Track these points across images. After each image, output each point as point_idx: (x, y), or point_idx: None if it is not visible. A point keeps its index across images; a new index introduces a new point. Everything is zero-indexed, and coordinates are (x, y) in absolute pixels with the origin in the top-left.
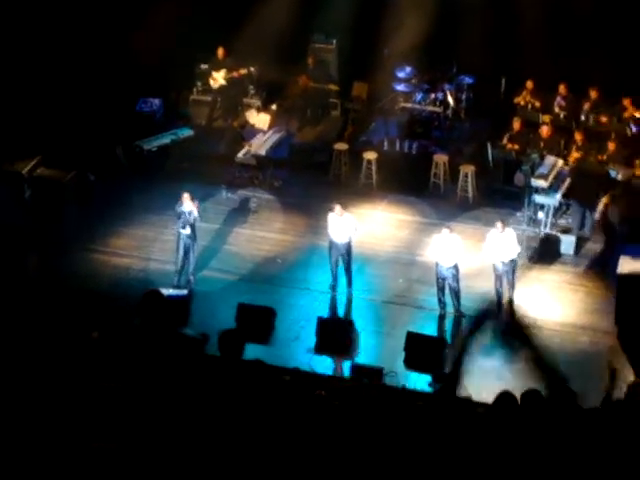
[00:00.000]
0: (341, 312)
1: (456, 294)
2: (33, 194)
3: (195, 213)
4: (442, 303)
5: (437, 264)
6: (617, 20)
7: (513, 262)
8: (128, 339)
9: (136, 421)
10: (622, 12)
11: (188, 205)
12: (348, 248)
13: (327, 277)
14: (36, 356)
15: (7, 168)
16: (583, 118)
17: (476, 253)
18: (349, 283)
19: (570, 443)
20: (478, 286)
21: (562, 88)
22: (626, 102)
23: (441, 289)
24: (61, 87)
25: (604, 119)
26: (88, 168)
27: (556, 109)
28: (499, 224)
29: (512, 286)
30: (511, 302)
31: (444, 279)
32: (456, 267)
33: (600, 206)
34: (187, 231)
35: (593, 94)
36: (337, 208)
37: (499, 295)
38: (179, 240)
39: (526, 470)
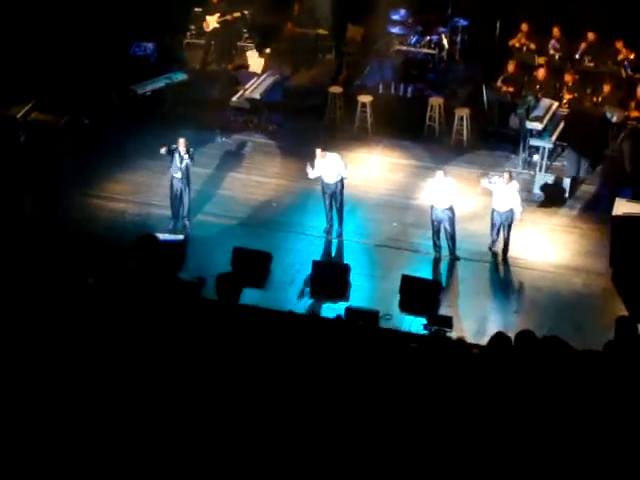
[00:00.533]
0: (336, 255)
1: (452, 237)
2: (28, 138)
3: (187, 158)
4: (437, 247)
5: (432, 207)
6: None
7: (510, 214)
8: (123, 283)
9: (133, 366)
10: None
11: (182, 149)
12: (339, 188)
13: (322, 221)
14: (31, 300)
15: (2, 112)
16: (578, 58)
17: (471, 196)
18: (340, 223)
19: (563, 384)
20: (473, 229)
21: (556, 30)
22: (619, 44)
23: (436, 232)
24: (55, 31)
25: (599, 61)
26: (82, 112)
27: (550, 51)
28: (506, 175)
29: (506, 240)
30: (504, 253)
31: (439, 222)
32: (451, 209)
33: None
34: (178, 175)
35: (590, 36)
36: (318, 152)
37: (492, 241)
38: (172, 185)
39: (520, 412)
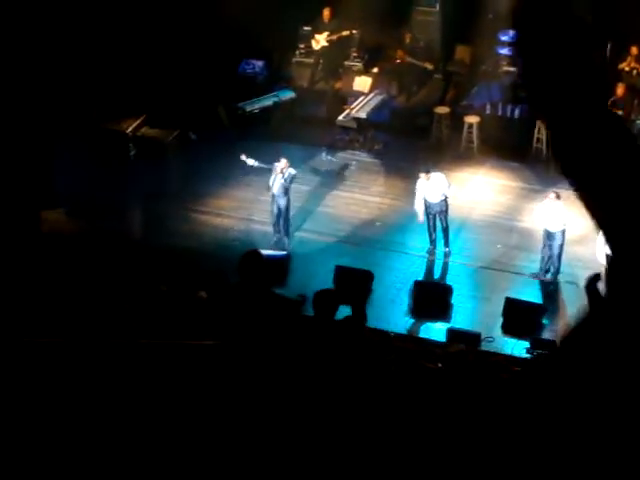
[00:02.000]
0: (439, 276)
1: (558, 258)
2: (137, 153)
3: (281, 179)
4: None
5: (545, 230)
6: None
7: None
8: (228, 299)
9: (232, 381)
10: None
11: (278, 169)
12: (444, 207)
13: (426, 241)
14: (138, 312)
15: (113, 127)
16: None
17: (579, 218)
18: (446, 243)
19: None
20: (580, 252)
21: (634, 49)
22: None
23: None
24: (166, 48)
25: None
26: (190, 128)
27: None
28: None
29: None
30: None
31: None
32: (563, 232)
33: None
34: (275, 192)
35: (634, 50)
36: (422, 175)
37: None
38: (272, 202)
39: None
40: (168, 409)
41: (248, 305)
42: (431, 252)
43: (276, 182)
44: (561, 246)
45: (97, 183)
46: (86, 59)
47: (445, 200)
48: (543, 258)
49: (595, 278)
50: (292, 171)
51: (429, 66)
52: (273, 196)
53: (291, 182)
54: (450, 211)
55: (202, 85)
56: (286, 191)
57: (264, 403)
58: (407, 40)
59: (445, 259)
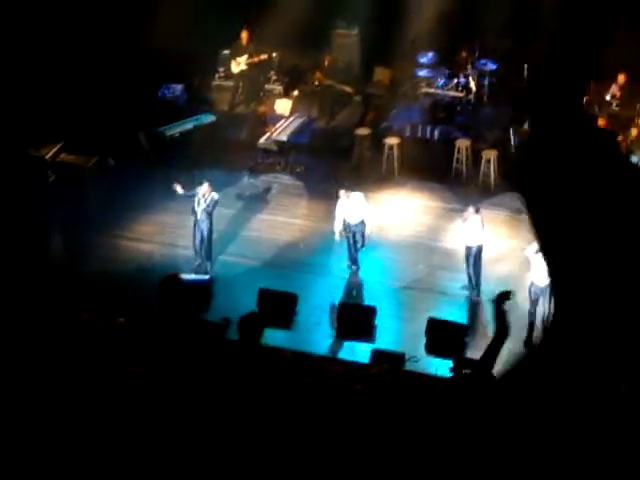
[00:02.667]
0: (363, 297)
1: (476, 274)
2: (56, 179)
3: (204, 204)
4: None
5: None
6: None
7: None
8: (149, 324)
9: (157, 406)
10: None
11: (201, 194)
12: (362, 228)
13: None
14: (56, 340)
15: (31, 153)
16: (607, 102)
17: (498, 238)
18: (356, 260)
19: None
20: (500, 271)
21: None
22: None
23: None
24: (84, 72)
25: (627, 104)
26: (110, 154)
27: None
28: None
29: (548, 313)
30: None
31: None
32: (480, 247)
33: None
34: (198, 217)
35: (621, 79)
36: (342, 192)
37: (530, 318)
38: (195, 226)
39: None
40: (95, 434)
41: (170, 330)
42: (354, 271)
43: (199, 207)
44: (479, 260)
45: (16, 209)
46: (3, 86)
47: (363, 221)
48: (469, 276)
49: (504, 295)
50: (215, 196)
51: (348, 89)
52: (196, 221)
53: (214, 207)
54: (372, 232)
55: (122, 110)
56: (209, 216)
57: (189, 427)
58: (326, 63)
59: (353, 278)
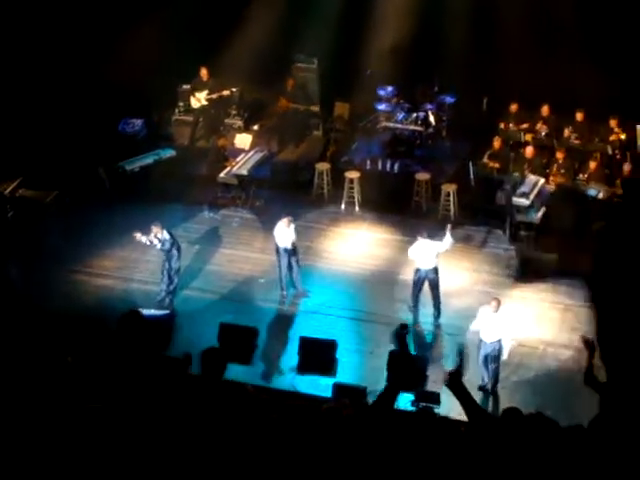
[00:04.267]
0: (324, 330)
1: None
2: (15, 214)
3: (157, 244)
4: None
5: (418, 270)
6: (604, 37)
7: (498, 345)
8: (107, 361)
9: (118, 442)
10: (611, 30)
11: (152, 235)
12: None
13: (310, 296)
14: (10, 378)
15: None
16: (566, 137)
17: (458, 272)
18: (284, 287)
19: (548, 462)
20: (460, 305)
21: (545, 109)
22: (613, 123)
23: (417, 295)
24: (43, 109)
25: (585, 139)
26: (70, 189)
27: (538, 128)
28: (494, 302)
29: (495, 373)
30: (493, 387)
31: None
32: (435, 270)
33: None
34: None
35: (579, 116)
36: (286, 220)
37: (413, 296)
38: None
39: None
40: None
41: (130, 366)
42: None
43: (158, 249)
44: (437, 286)
45: None
46: None
47: (294, 247)
48: (412, 301)
49: (456, 374)
50: (165, 235)
51: (314, 108)
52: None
53: (171, 244)
54: (333, 265)
55: (81, 145)
56: (167, 253)
57: (151, 464)
58: (289, 88)
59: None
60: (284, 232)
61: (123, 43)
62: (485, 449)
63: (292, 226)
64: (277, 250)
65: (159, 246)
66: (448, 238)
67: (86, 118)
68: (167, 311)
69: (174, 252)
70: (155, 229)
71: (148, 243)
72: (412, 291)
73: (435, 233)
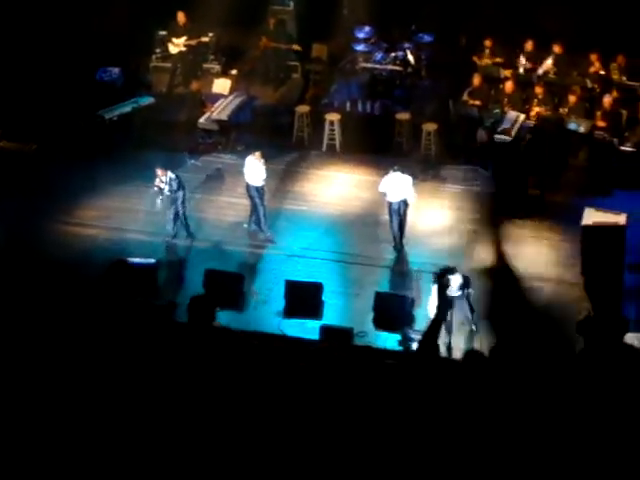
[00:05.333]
0: (309, 273)
1: (401, 227)
2: None
3: (165, 187)
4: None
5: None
6: None
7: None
8: (96, 308)
9: (107, 390)
10: None
11: (158, 179)
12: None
13: (294, 240)
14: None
15: None
16: (542, 72)
17: (440, 211)
18: (261, 223)
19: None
20: (443, 244)
21: (529, 45)
22: (593, 57)
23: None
24: (20, 60)
25: (564, 73)
26: (49, 139)
27: (519, 64)
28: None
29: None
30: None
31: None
32: (406, 202)
33: None
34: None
35: (557, 49)
36: (257, 154)
37: (393, 232)
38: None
39: (498, 427)
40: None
41: (116, 314)
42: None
43: (165, 192)
44: (405, 215)
45: None
46: None
47: (263, 186)
48: (393, 233)
49: (446, 271)
50: (171, 175)
51: (296, 47)
52: (171, 204)
53: (177, 185)
54: (317, 209)
55: (59, 95)
56: (175, 193)
57: (141, 410)
58: (271, 26)
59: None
60: (255, 168)
61: None
62: (473, 386)
63: (262, 162)
64: (248, 189)
65: (167, 189)
66: (414, 196)
67: (64, 68)
68: (153, 260)
69: (180, 193)
70: (159, 172)
71: (156, 189)
72: (390, 226)
73: (417, 174)
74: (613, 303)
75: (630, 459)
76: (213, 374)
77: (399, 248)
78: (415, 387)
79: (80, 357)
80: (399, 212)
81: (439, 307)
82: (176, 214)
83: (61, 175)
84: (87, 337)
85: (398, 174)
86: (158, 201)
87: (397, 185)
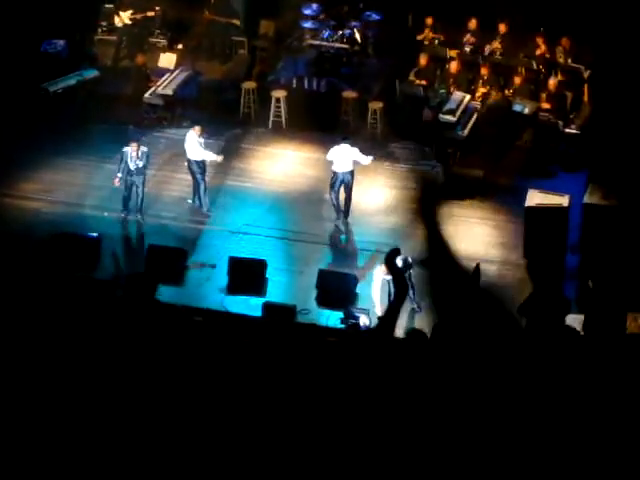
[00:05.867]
0: (253, 250)
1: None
2: None
3: (138, 161)
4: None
5: (335, 172)
6: None
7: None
8: (38, 282)
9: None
10: None
11: (134, 153)
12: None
13: (239, 217)
14: None
15: None
16: (488, 52)
17: (386, 189)
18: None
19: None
20: (390, 222)
21: (472, 23)
22: (539, 40)
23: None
24: None
25: (510, 53)
26: None
27: (464, 44)
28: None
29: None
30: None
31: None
32: (352, 173)
33: None
34: (134, 173)
35: (502, 28)
36: (197, 128)
37: (333, 203)
38: (126, 181)
39: (440, 405)
40: None
41: (60, 287)
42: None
43: (133, 165)
44: (350, 188)
45: None
46: None
47: (203, 161)
48: (334, 203)
49: (394, 253)
50: (144, 149)
51: (236, 22)
52: (129, 178)
53: (147, 160)
54: (262, 185)
55: (3, 66)
56: (144, 170)
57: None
58: (212, 0)
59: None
60: (195, 142)
61: None
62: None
63: (203, 137)
64: (189, 164)
65: (141, 164)
66: (369, 157)
67: (7, 39)
68: (95, 233)
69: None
70: (134, 146)
71: (124, 164)
72: (330, 195)
73: (363, 152)
74: (555, 284)
75: (567, 438)
76: (154, 350)
77: (343, 223)
78: (357, 365)
79: (19, 329)
80: (344, 182)
81: (397, 291)
82: (138, 190)
83: (4, 147)
84: (26, 310)
85: (347, 145)
86: (119, 175)
87: (344, 156)
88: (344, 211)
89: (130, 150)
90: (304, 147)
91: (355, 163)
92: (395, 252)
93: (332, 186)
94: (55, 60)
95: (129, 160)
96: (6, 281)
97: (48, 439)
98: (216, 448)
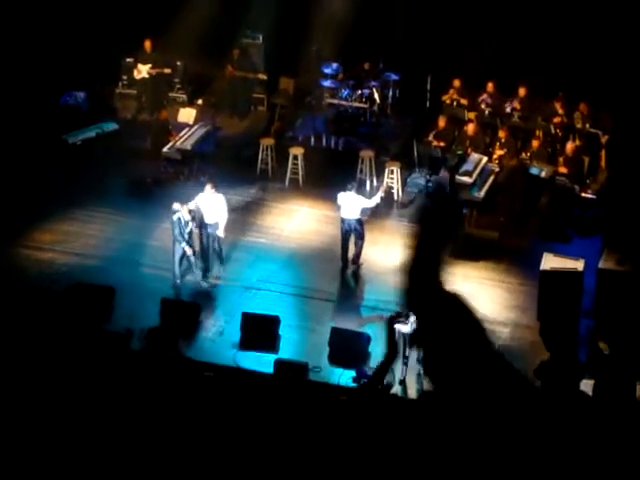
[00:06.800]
0: (266, 306)
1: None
2: None
3: (192, 224)
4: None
5: (342, 220)
6: (550, 21)
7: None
8: (51, 333)
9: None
10: (557, 14)
11: (186, 215)
12: (216, 229)
13: (253, 272)
14: None
15: None
16: (509, 109)
17: (396, 249)
18: (221, 262)
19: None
20: (397, 281)
21: (490, 86)
22: (557, 105)
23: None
24: None
25: (528, 117)
26: (12, 161)
27: (482, 106)
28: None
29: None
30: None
31: (348, 232)
32: (360, 221)
33: None
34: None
35: (522, 92)
36: (208, 187)
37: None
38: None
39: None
40: None
41: (74, 338)
42: (204, 272)
43: (189, 227)
44: (361, 237)
45: None
46: None
47: (217, 224)
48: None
49: (395, 317)
50: (191, 206)
51: (261, 76)
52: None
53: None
54: (277, 242)
55: (23, 117)
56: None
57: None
58: (235, 56)
59: (216, 281)
60: (210, 202)
61: (66, 14)
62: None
63: (221, 196)
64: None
65: (194, 225)
66: (377, 197)
67: (28, 90)
68: (109, 285)
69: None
70: (181, 207)
71: (190, 229)
72: (341, 242)
73: (379, 210)
74: (570, 349)
75: None
76: (166, 403)
77: (354, 268)
78: (367, 424)
79: (32, 380)
80: (351, 229)
81: (388, 351)
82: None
83: (21, 198)
84: (41, 361)
85: (352, 193)
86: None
87: (350, 203)
88: (352, 260)
89: (182, 212)
90: (320, 204)
91: (363, 211)
92: (401, 315)
93: (341, 232)
94: (75, 112)
95: (180, 224)
96: (21, 331)
97: None
98: None
